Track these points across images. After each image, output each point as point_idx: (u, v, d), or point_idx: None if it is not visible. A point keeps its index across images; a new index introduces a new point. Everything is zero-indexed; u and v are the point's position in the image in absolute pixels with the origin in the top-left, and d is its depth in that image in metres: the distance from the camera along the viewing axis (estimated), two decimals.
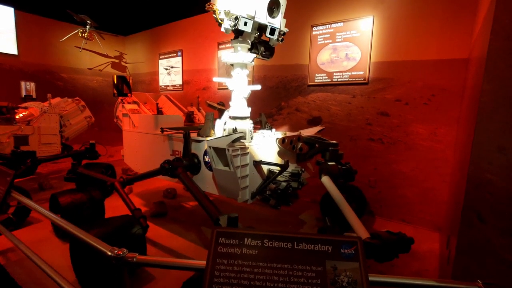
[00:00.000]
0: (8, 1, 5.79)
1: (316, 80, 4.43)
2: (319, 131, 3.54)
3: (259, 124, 3.34)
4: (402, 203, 3.88)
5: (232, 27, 2.11)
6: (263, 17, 2.21)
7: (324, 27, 4.34)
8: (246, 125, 2.33)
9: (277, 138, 2.61)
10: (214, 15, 2.18)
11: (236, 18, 2.05)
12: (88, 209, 3.25)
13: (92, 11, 6.15)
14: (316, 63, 4.41)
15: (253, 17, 2.09)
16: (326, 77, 4.34)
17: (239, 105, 2.49)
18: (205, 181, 2.74)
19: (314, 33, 4.42)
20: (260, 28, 2.28)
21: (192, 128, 3.18)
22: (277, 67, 4.84)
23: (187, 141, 2.70)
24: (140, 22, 6.96)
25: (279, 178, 2.60)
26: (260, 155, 2.45)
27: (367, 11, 3.99)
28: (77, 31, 6.53)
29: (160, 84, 7.04)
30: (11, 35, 6.00)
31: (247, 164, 2.29)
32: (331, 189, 2.44)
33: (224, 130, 2.33)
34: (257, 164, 2.37)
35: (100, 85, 7.66)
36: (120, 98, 3.83)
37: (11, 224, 3.32)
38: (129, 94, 3.88)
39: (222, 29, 2.23)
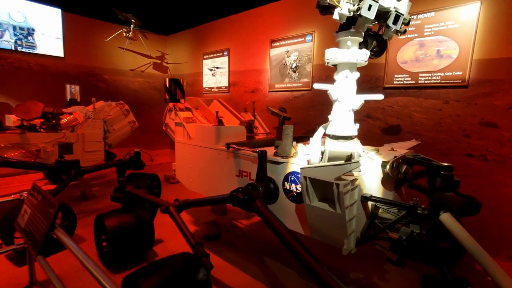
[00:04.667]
0: (56, 2, 5.66)
1: (395, 82, 3.69)
2: (413, 147, 2.82)
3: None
4: None
5: (353, 12, 1.51)
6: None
7: None
8: (355, 148, 1.72)
9: (383, 162, 1.96)
10: None
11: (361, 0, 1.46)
12: (137, 234, 2.83)
13: (135, 10, 5.87)
14: (395, 62, 3.67)
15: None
16: (409, 79, 3.58)
17: (344, 120, 1.82)
18: (285, 214, 2.16)
19: None
20: (377, 15, 1.66)
21: (262, 142, 2.63)
22: None
23: (262, 162, 2.14)
24: (183, 20, 6.59)
25: (381, 213, 1.95)
26: (366, 186, 1.83)
27: None
28: (121, 30, 6.30)
29: (204, 86, 6.62)
30: (58, 37, 5.88)
31: (355, 202, 1.68)
32: (457, 232, 1.75)
33: (323, 153, 1.74)
34: (367, 200, 1.75)
35: (141, 87, 7.44)
36: (171, 104, 3.39)
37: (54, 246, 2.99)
38: (181, 100, 3.43)
39: (335, 16, 1.64)
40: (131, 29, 6.24)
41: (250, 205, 1.95)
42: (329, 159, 1.78)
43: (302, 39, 4.56)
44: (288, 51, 4.79)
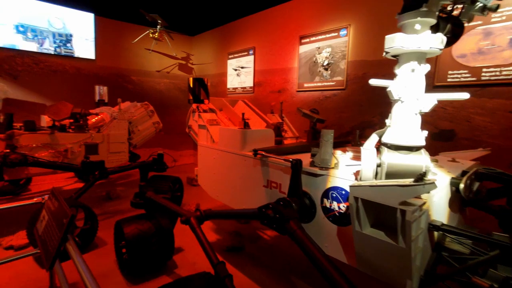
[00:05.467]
0: (89, 7, 5.75)
1: (449, 80, 3.17)
2: (478, 158, 2.33)
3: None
4: None
5: None
6: None
7: None
8: (423, 161, 1.32)
9: (454, 179, 1.55)
10: None
11: None
12: (157, 242, 2.63)
13: (161, 11, 5.79)
14: (450, 55, 3.16)
15: None
16: (468, 75, 3.05)
17: (409, 126, 1.41)
18: (323, 237, 1.81)
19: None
20: None
21: (294, 149, 2.29)
22: (383, 62, 3.69)
23: (297, 173, 1.81)
24: (209, 19, 6.42)
25: (448, 243, 1.53)
26: (433, 210, 1.43)
27: None
28: (148, 32, 6.27)
29: (228, 86, 6.40)
30: (90, 41, 5.97)
31: (422, 231, 1.29)
32: None
33: (379, 166, 1.37)
34: (437, 230, 1.35)
35: (167, 88, 7.40)
36: (195, 105, 3.16)
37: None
38: (206, 101, 3.19)
39: None
40: (158, 30, 6.19)
41: (282, 226, 1.62)
42: (387, 175, 1.40)
43: (336, 34, 4.15)
44: (319, 48, 4.40)
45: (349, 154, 2.31)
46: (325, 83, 4.34)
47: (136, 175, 6.14)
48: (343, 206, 1.73)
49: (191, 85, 3.15)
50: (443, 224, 1.36)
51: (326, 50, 4.28)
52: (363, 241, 1.40)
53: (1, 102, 5.16)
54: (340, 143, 2.77)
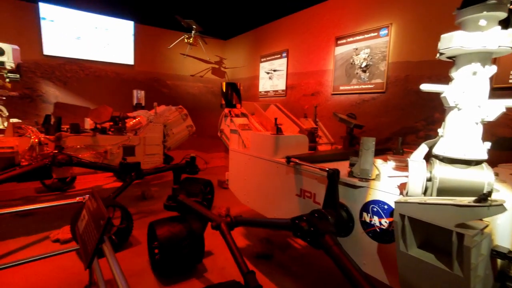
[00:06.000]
0: (130, 16, 6.09)
1: (511, 80, 2.83)
2: None
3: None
4: None
5: None
6: None
7: None
8: (483, 177, 1.15)
9: None
10: None
11: None
12: (188, 246, 2.65)
13: (196, 16, 5.93)
14: None
15: None
16: None
17: (467, 137, 1.25)
18: (361, 254, 1.68)
19: None
20: None
21: (330, 156, 2.17)
22: (429, 64, 3.39)
23: (334, 184, 1.69)
24: (242, 23, 6.46)
25: None
26: (497, 234, 1.24)
27: None
28: (183, 37, 6.47)
29: (260, 89, 6.38)
30: (130, 47, 6.31)
31: (483, 258, 1.12)
32: None
33: (429, 181, 1.22)
34: (501, 258, 1.17)
35: (200, 92, 7.57)
36: (227, 109, 3.15)
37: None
38: (238, 105, 3.18)
39: None
40: (192, 35, 6.36)
41: (317, 240, 1.52)
42: (439, 192, 1.24)
43: (375, 33, 3.92)
44: (357, 49, 4.20)
45: (391, 163, 2.14)
46: (363, 86, 4.12)
47: (169, 176, 6.34)
48: (385, 222, 1.59)
49: (224, 90, 3.16)
50: (510, 252, 1.17)
51: (364, 51, 4.06)
52: (408, 263, 1.26)
53: (53, 105, 5.63)
54: (380, 151, 2.58)
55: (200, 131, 6.91)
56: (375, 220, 1.60)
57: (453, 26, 1.26)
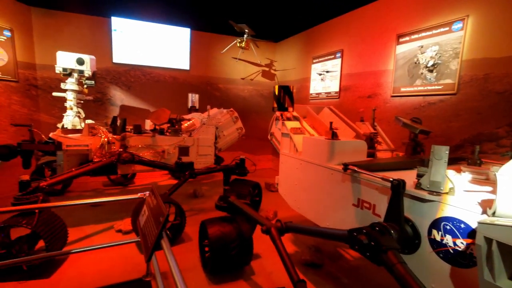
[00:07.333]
0: (186, 23, 6.48)
1: None
2: None
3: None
4: None
5: None
6: None
7: None
8: None
9: None
10: None
11: None
12: (236, 247, 2.68)
13: (248, 20, 6.03)
14: None
15: None
16: None
17: None
18: (429, 274, 1.48)
19: None
20: None
21: (392, 165, 1.98)
22: None
23: (399, 196, 1.53)
24: (293, 24, 6.38)
25: None
26: None
27: None
28: (235, 41, 6.64)
29: (311, 91, 6.21)
30: (186, 53, 6.71)
31: None
32: None
33: None
34: None
35: (250, 94, 7.69)
36: (279, 112, 3.12)
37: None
38: (290, 108, 3.12)
39: None
40: (244, 39, 6.48)
41: (377, 256, 1.38)
42: None
43: (447, 28, 3.50)
44: (422, 46, 3.80)
45: (466, 175, 1.87)
46: (429, 87, 3.71)
47: (218, 176, 6.56)
48: (461, 243, 1.38)
49: (277, 93, 3.12)
50: None
51: (432, 48, 3.66)
52: None
53: (119, 108, 6.27)
54: (451, 160, 2.28)
55: (248, 133, 7.03)
56: (448, 239, 1.40)
57: None
